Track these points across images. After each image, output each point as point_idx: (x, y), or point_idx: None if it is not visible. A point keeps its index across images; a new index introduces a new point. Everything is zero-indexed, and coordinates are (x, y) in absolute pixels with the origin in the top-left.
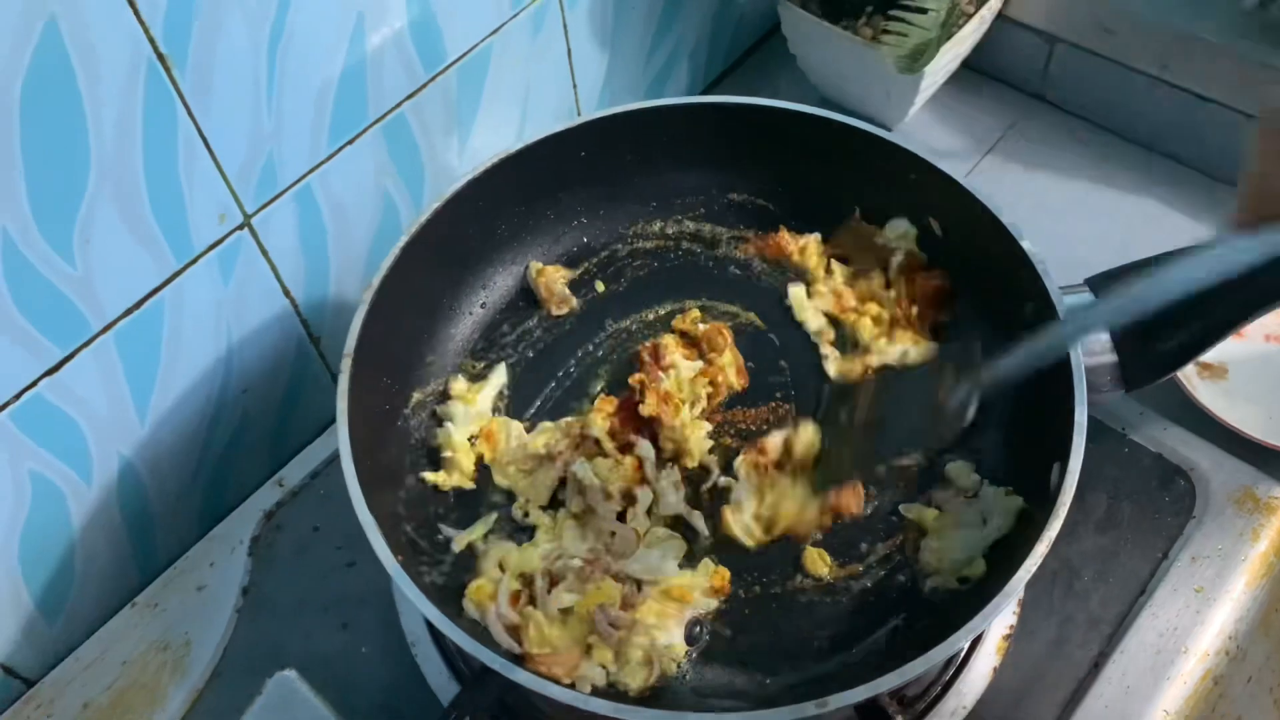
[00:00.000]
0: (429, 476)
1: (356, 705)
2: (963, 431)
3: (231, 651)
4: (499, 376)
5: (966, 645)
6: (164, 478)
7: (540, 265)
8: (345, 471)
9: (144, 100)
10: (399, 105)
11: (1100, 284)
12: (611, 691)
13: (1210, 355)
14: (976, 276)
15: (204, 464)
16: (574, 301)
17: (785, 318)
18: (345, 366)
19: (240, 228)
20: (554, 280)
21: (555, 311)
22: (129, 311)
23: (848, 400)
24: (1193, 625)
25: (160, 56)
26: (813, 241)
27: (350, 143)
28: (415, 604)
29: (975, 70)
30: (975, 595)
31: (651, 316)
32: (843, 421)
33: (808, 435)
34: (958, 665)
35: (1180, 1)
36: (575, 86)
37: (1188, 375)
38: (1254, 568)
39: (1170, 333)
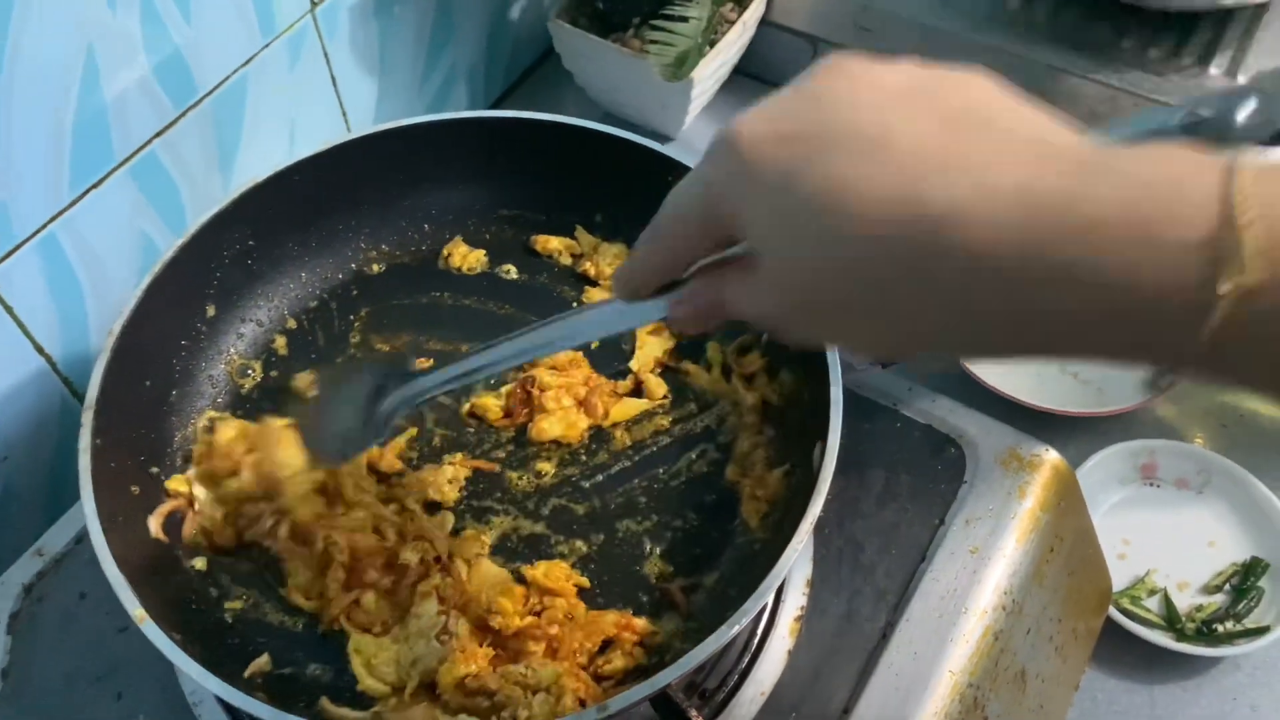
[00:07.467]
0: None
1: None
2: None
3: None
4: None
5: (735, 631)
6: None
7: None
8: (91, 533)
9: None
10: (149, 143)
11: None
12: None
13: None
14: None
15: None
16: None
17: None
18: (87, 420)
19: None
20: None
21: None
22: None
23: None
24: (970, 585)
25: None
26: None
27: (96, 186)
28: (181, 666)
29: (748, 75)
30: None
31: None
32: None
33: None
34: (753, 652)
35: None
36: (345, 114)
37: None
38: (1023, 524)
39: None
